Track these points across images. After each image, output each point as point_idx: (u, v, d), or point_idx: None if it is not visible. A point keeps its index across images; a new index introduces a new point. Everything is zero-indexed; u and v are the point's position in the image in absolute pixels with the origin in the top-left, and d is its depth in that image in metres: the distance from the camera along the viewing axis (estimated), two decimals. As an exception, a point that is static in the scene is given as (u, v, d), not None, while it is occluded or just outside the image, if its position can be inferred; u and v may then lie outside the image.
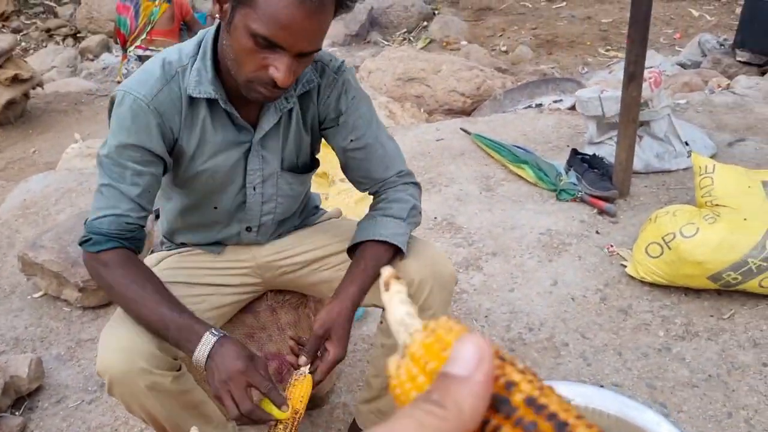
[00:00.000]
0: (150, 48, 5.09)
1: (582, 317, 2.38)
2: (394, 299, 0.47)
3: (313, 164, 1.61)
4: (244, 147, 1.44)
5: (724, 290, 2.39)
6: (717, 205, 2.44)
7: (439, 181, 3.47)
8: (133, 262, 1.35)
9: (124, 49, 5.27)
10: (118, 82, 5.51)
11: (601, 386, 2.05)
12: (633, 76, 2.82)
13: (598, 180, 3.09)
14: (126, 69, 5.20)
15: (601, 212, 3.00)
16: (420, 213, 1.57)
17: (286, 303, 1.85)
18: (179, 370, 1.40)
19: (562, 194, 3.15)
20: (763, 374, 2.07)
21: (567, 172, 3.25)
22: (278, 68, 1.20)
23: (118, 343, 1.31)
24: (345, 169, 1.58)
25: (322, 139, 1.58)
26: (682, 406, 1.99)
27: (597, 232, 2.88)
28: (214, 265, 1.61)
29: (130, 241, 1.35)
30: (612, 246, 2.75)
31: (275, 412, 1.24)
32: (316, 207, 1.80)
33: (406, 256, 1.50)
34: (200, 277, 1.57)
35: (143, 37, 5.11)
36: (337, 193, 3.19)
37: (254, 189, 1.50)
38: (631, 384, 2.07)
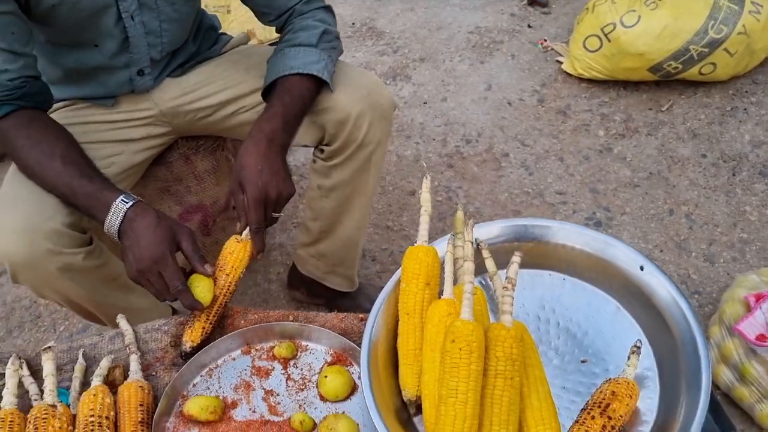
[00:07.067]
0: None
1: (520, 123, 2.26)
2: None
3: None
4: None
5: (663, 81, 2.29)
6: (657, -13, 2.25)
7: (351, -23, 3.08)
8: (37, 122, 1.14)
9: None
10: None
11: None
12: None
13: (528, -35, 2.80)
14: None
15: (532, 3, 2.76)
16: (337, 38, 1.36)
17: (201, 148, 1.62)
18: (90, 244, 1.21)
19: (488, -16, 2.86)
20: (702, 166, 2.05)
21: (493, -42, 2.93)
22: None
23: (14, 224, 1.11)
24: None
25: None
26: (625, 207, 1.97)
27: (529, 26, 2.66)
28: (110, 118, 1.35)
29: (25, 99, 1.12)
30: (546, 41, 2.56)
31: (201, 296, 1.09)
32: (214, 29, 1.52)
33: (336, 87, 1.29)
34: (95, 134, 1.31)
35: None
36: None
37: (132, 18, 1.22)
38: (575, 190, 2.02)
